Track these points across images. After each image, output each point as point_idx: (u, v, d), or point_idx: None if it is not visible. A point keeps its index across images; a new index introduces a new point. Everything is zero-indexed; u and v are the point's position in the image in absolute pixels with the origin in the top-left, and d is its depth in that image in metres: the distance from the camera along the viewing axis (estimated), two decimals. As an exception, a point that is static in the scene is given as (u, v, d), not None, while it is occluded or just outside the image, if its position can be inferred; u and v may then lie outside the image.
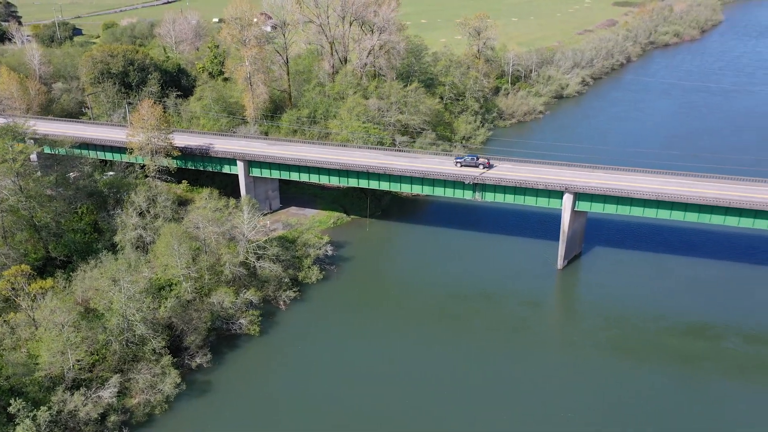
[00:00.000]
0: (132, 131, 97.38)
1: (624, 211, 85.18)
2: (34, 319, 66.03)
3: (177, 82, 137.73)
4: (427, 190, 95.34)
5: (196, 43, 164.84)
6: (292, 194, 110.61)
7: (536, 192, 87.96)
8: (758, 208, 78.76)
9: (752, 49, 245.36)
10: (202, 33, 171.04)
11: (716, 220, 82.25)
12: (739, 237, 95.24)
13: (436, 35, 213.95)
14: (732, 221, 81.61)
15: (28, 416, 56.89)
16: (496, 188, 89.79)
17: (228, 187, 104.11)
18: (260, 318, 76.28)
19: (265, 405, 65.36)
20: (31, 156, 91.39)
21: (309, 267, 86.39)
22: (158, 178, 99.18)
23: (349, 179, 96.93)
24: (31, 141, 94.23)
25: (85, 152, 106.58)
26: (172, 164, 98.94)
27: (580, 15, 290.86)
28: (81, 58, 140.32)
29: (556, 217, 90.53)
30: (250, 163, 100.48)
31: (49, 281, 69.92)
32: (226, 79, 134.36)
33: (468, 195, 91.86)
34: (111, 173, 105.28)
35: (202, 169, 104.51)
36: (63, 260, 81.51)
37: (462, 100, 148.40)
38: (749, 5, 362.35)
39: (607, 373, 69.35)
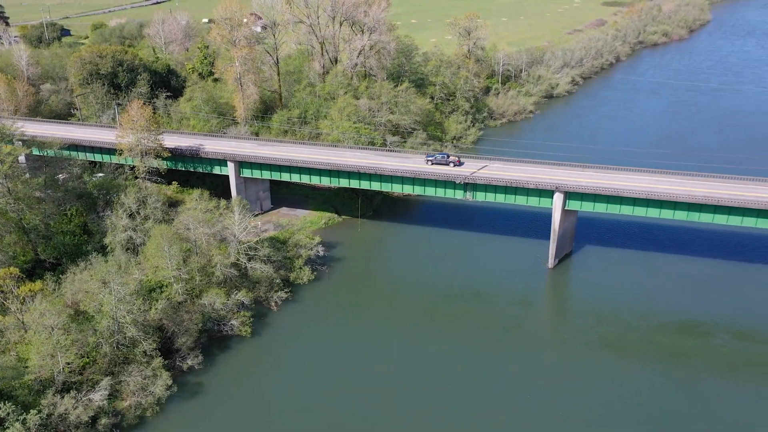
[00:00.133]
0: (121, 132, 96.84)
1: (614, 210, 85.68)
2: (23, 322, 65.55)
3: (167, 83, 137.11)
4: (418, 190, 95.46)
5: (186, 43, 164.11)
6: (283, 195, 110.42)
7: (527, 191, 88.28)
8: (746, 206, 79.43)
9: (740, 48, 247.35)
10: (192, 33, 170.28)
11: (705, 218, 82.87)
12: (728, 235, 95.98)
13: (427, 35, 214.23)
14: (721, 219, 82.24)
15: (17, 420, 56.44)
16: (487, 188, 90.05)
17: (219, 188, 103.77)
18: (252, 319, 76.07)
19: (257, 406, 65.20)
20: (20, 158, 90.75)
21: (300, 268, 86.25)
22: (148, 179, 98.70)
23: (340, 179, 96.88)
24: (20, 143, 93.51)
25: (74, 154, 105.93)
26: (162, 165, 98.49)
27: (569, 15, 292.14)
28: (69, 58, 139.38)
29: (546, 217, 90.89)
30: (241, 164, 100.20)
31: (38, 284, 69.45)
32: (216, 80, 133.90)
33: (459, 195, 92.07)
34: (100, 175, 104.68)
35: (192, 170, 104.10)
36: (52, 262, 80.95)
37: (452, 100, 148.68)
38: (736, 5, 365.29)
39: (599, 370, 69.70)
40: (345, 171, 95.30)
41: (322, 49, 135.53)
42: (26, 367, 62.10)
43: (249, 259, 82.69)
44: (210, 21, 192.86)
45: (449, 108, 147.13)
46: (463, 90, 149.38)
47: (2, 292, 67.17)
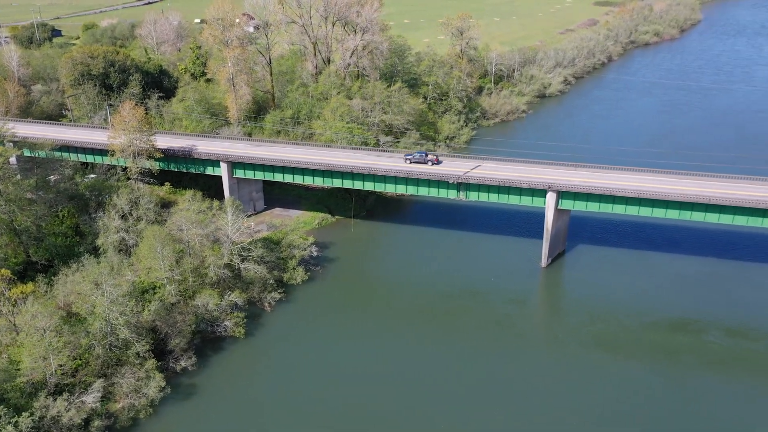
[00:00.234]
0: (113, 133, 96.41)
1: (606, 208, 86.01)
2: (15, 325, 65.19)
3: (159, 84, 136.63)
4: (411, 190, 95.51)
5: (178, 44, 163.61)
6: (277, 195, 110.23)
7: (520, 191, 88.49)
8: (738, 204, 79.88)
9: (730, 47, 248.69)
10: (184, 34, 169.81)
11: (697, 216, 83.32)
12: (720, 233, 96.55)
13: (419, 35, 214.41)
14: (712, 218, 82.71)
15: (9, 422, 56.10)
16: (480, 187, 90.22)
17: (211, 188, 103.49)
18: (245, 320, 75.92)
19: (251, 407, 65.05)
20: (11, 159, 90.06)
21: (294, 268, 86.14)
22: (141, 180, 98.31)
23: (334, 180, 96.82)
24: (11, 144, 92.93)
25: (65, 155, 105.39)
26: (155, 166, 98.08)
27: (561, 14, 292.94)
28: (60, 59, 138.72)
29: (539, 216, 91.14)
30: (234, 165, 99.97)
31: (30, 286, 69.03)
32: (208, 80, 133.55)
33: (452, 194, 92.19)
34: (92, 176, 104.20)
35: (185, 170, 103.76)
36: (44, 264, 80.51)
37: (445, 99, 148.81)
38: (727, 4, 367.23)
39: (592, 368, 69.99)
40: (338, 171, 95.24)
41: (314, 50, 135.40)
42: (18, 369, 61.71)
43: (242, 260, 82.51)
44: (202, 21, 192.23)
45: (442, 108, 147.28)
46: (455, 90, 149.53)
47: (-6, 294, 66.75)
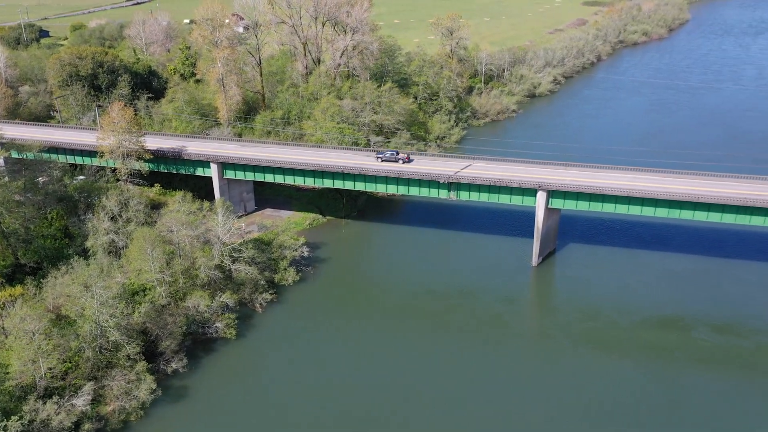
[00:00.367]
0: (102, 134, 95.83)
1: (596, 207, 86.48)
2: (3, 328, 64.72)
3: (148, 84, 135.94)
4: (402, 190, 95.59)
5: (167, 44, 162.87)
6: (267, 196, 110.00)
7: (510, 190, 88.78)
8: (726, 202, 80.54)
9: (718, 47, 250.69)
10: (173, 34, 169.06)
11: (685, 215, 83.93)
12: (708, 231, 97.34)
13: (410, 35, 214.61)
14: (701, 216, 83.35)
15: (-2, 427, 55.79)
16: (470, 187, 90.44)
17: (202, 189, 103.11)
18: (236, 321, 75.66)
19: (243, 409, 64.89)
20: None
21: (285, 269, 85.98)
22: (130, 181, 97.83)
23: (324, 180, 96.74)
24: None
25: (54, 156, 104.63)
26: (144, 167, 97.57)
27: (550, 14, 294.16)
28: (48, 60, 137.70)
29: (530, 215, 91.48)
30: (224, 165, 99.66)
31: (19, 288, 68.66)
32: (198, 81, 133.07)
33: (443, 194, 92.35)
34: (81, 177, 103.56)
35: (175, 171, 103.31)
36: (33, 267, 79.91)
37: (436, 99, 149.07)
38: (715, 4, 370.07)
39: (582, 365, 70.36)
40: (329, 171, 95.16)
41: (304, 50, 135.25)
42: (7, 372, 61.24)
43: (233, 261, 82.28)
44: (191, 22, 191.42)
45: (433, 108, 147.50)
46: (446, 90, 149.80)
47: (-18, 297, 66.25)
